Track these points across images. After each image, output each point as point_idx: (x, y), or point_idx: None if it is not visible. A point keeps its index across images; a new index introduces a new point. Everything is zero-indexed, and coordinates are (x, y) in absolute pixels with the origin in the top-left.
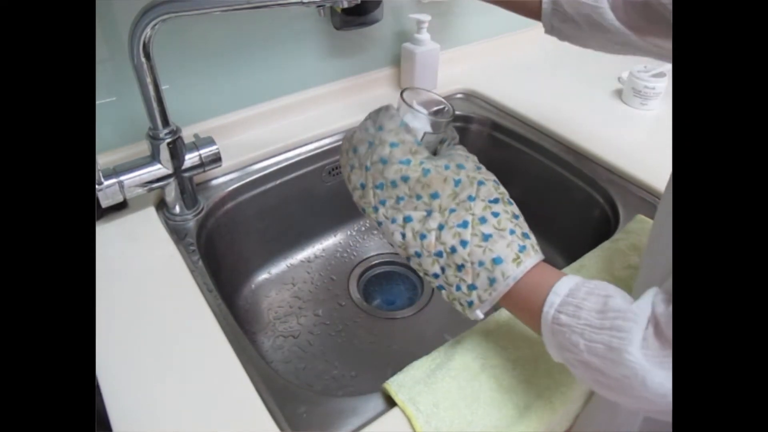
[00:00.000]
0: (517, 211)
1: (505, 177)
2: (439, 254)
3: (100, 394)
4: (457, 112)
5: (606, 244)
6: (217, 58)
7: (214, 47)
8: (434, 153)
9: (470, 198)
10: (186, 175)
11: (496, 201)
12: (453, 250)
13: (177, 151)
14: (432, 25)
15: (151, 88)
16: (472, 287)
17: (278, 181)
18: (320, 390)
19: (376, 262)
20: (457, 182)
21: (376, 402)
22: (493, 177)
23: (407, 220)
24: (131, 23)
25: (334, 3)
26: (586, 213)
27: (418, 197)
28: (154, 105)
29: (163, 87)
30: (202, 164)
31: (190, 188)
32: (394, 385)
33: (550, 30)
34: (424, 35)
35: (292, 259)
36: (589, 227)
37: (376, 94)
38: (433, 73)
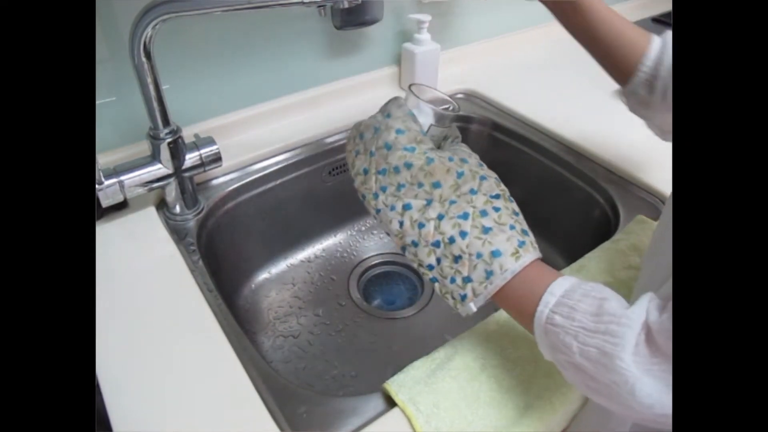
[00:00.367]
0: (517, 208)
1: (505, 177)
2: (437, 244)
3: (100, 394)
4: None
5: (606, 245)
6: (218, 57)
7: (214, 47)
8: (438, 148)
9: (472, 191)
10: (186, 174)
11: (497, 197)
12: (451, 240)
13: (177, 150)
14: (432, 25)
15: (151, 87)
16: (467, 280)
17: (278, 181)
18: (320, 390)
19: (377, 262)
20: (460, 174)
21: (376, 402)
22: (494, 174)
23: (406, 207)
24: (132, 23)
25: (334, 3)
26: (587, 213)
27: (420, 185)
28: (155, 105)
29: (164, 87)
30: (202, 164)
31: (190, 188)
32: (394, 385)
33: (629, 97)
34: (425, 35)
35: (293, 259)
36: (589, 227)
37: (377, 94)
38: (434, 73)
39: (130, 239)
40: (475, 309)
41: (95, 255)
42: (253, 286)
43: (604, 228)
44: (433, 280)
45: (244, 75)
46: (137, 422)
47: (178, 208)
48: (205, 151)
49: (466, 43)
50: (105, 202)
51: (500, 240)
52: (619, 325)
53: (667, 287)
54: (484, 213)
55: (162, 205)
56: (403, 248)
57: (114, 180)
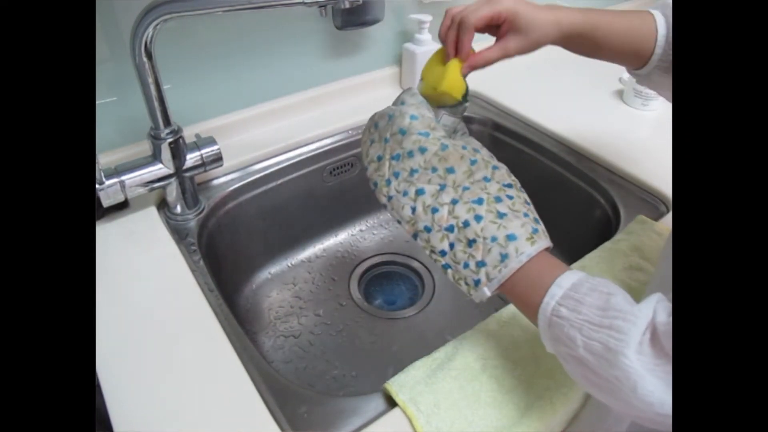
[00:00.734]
0: (528, 199)
1: None
2: (450, 229)
3: (101, 394)
4: None
5: (607, 245)
6: (219, 57)
7: (215, 47)
8: None
9: (485, 179)
10: (187, 174)
11: (510, 186)
12: (466, 224)
13: (178, 150)
14: (433, 25)
15: (152, 87)
16: (481, 264)
17: (279, 181)
18: (321, 390)
19: (377, 262)
20: (473, 162)
21: (376, 402)
22: (505, 166)
23: (419, 192)
24: (133, 23)
25: (335, 3)
26: (587, 213)
27: (434, 170)
28: (156, 105)
29: (165, 87)
30: (203, 164)
31: (191, 188)
32: (394, 385)
33: (644, 79)
34: (425, 35)
35: (293, 259)
36: (590, 228)
37: (377, 95)
38: None
39: (130, 239)
40: (489, 294)
41: (95, 255)
42: (253, 286)
43: (604, 228)
44: (446, 266)
45: (245, 75)
46: (138, 422)
47: (179, 208)
48: (206, 151)
49: None
50: (106, 202)
51: (515, 225)
52: (624, 321)
53: None
54: (498, 199)
55: (163, 205)
56: (415, 235)
57: (115, 180)
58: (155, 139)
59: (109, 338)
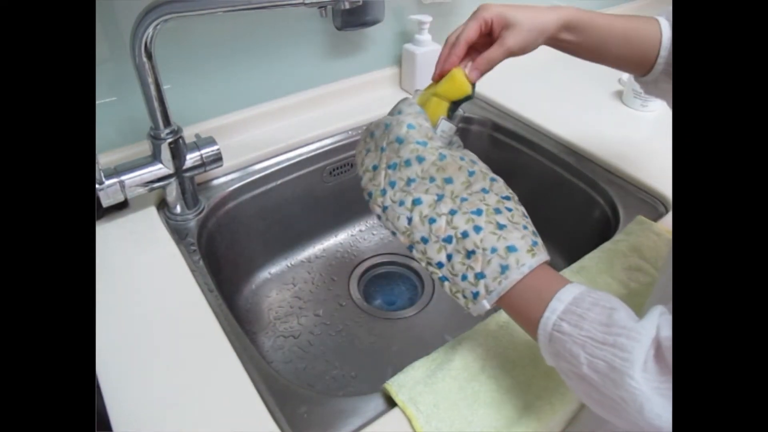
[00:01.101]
0: (525, 212)
1: (505, 178)
2: (448, 240)
3: (100, 394)
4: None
5: (606, 246)
6: (219, 58)
7: (215, 47)
8: None
9: (484, 190)
10: (187, 175)
11: (508, 198)
12: (465, 234)
13: (178, 150)
14: (433, 26)
15: (152, 87)
16: (480, 276)
17: (279, 182)
18: (321, 390)
19: (377, 262)
20: (471, 173)
21: (376, 402)
22: (502, 180)
23: (416, 202)
24: (133, 23)
25: (335, 3)
26: (587, 214)
27: (432, 180)
28: (156, 105)
29: (165, 87)
30: (203, 164)
31: (191, 188)
32: (394, 385)
33: (648, 85)
34: (425, 36)
35: (293, 259)
36: (589, 228)
37: (377, 95)
38: None
39: (130, 239)
40: (488, 307)
41: (95, 255)
42: (253, 286)
43: (604, 229)
44: (443, 279)
45: (245, 75)
46: (137, 422)
47: (178, 208)
48: (206, 151)
49: None
50: (105, 202)
51: (515, 237)
52: (628, 338)
53: None
54: (497, 211)
55: (162, 205)
56: (411, 246)
57: (115, 180)
58: (155, 139)
59: (108, 338)
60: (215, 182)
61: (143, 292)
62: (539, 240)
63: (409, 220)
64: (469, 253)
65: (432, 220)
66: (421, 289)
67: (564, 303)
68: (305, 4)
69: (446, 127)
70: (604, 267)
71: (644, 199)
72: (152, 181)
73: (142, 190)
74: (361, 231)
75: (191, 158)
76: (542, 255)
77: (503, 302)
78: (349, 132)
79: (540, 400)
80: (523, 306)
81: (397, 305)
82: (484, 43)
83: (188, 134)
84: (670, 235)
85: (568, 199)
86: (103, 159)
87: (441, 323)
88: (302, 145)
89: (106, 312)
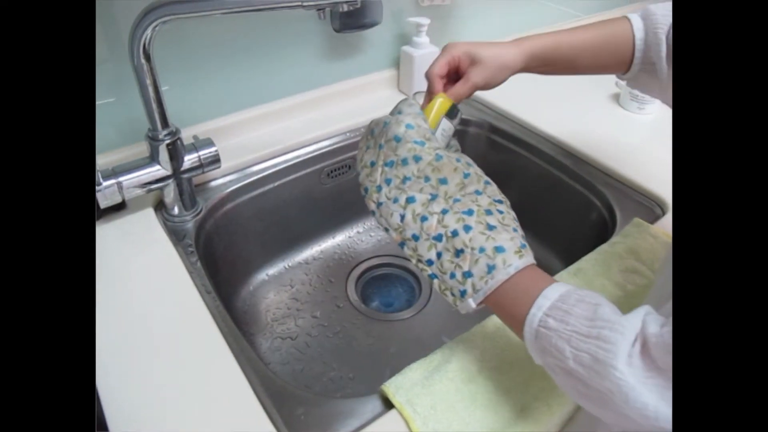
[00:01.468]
0: (516, 217)
1: (503, 180)
2: (438, 238)
3: (97, 395)
4: None
5: (603, 248)
6: (217, 59)
7: (214, 49)
8: None
9: (477, 192)
10: (185, 176)
11: (500, 202)
12: (455, 233)
13: (176, 152)
14: (431, 28)
15: (150, 89)
16: (467, 275)
17: (277, 183)
18: (318, 392)
19: (375, 264)
20: (467, 175)
21: (373, 404)
22: (496, 185)
23: (410, 200)
24: (132, 24)
25: (334, 6)
26: (584, 216)
27: (427, 179)
28: (154, 106)
29: (163, 88)
30: (201, 165)
31: (189, 189)
32: (391, 386)
33: (631, 82)
34: (423, 38)
35: (291, 260)
36: (586, 230)
37: (375, 97)
38: None
39: (128, 240)
40: (474, 305)
41: (95, 256)
42: (251, 287)
43: (601, 231)
44: (432, 276)
45: (243, 77)
46: (134, 423)
47: (176, 210)
48: (204, 152)
49: None
50: (103, 203)
51: (504, 238)
52: (612, 330)
53: (669, 307)
54: (488, 212)
55: (160, 207)
56: (402, 243)
57: (112, 181)
58: (153, 140)
59: (105, 340)
60: (213, 183)
61: (140, 293)
62: (527, 245)
63: (402, 217)
64: (458, 252)
65: (424, 218)
66: (419, 291)
67: (550, 300)
68: (303, 6)
69: (446, 126)
70: (600, 269)
71: (641, 202)
72: (150, 183)
73: (139, 192)
74: (358, 233)
75: (189, 159)
76: (530, 258)
77: (490, 301)
78: (347, 134)
79: (537, 401)
80: (509, 304)
81: (394, 307)
82: (457, 78)
83: (186, 135)
84: (666, 238)
85: (565, 202)
86: (101, 160)
87: (438, 325)
88: (300, 146)
89: (103, 313)
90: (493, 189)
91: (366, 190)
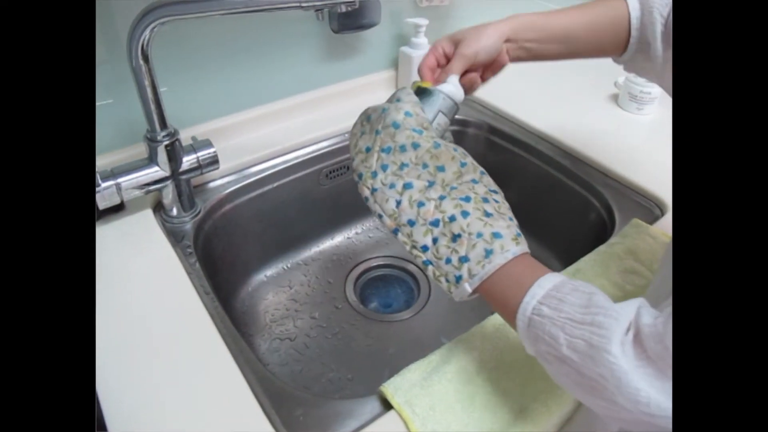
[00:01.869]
0: (510, 209)
1: (501, 180)
2: (435, 223)
3: (96, 396)
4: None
5: (602, 248)
6: (216, 60)
7: (212, 50)
8: None
9: (474, 181)
10: (183, 177)
11: (496, 192)
12: (452, 218)
13: (175, 153)
14: (429, 29)
15: (149, 90)
16: (464, 259)
17: (276, 184)
18: (317, 393)
19: (373, 265)
20: (463, 164)
21: (372, 405)
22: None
23: (407, 186)
24: (130, 26)
25: (332, 6)
26: (583, 217)
27: (425, 166)
28: (152, 107)
29: (161, 89)
30: (199, 167)
31: (187, 190)
32: (390, 387)
33: (628, 64)
34: (422, 39)
35: (289, 261)
36: (585, 231)
37: (374, 98)
38: None
39: (126, 242)
40: (469, 290)
41: (95, 257)
42: (249, 288)
43: (599, 231)
44: (426, 263)
45: (241, 78)
46: (133, 424)
47: (175, 211)
48: (203, 153)
49: None
50: (102, 205)
51: (501, 225)
52: (606, 316)
53: (666, 304)
54: (485, 200)
55: (159, 208)
56: (396, 230)
57: (111, 182)
58: (151, 141)
59: (104, 341)
60: (211, 185)
61: (139, 294)
62: (522, 234)
63: (398, 203)
64: (455, 237)
65: (421, 204)
66: (418, 291)
67: (544, 289)
68: (302, 7)
69: (441, 120)
70: (599, 270)
71: (640, 202)
72: (148, 184)
73: (138, 193)
74: (357, 233)
75: (188, 161)
76: (525, 246)
77: (484, 288)
78: (346, 135)
79: (536, 402)
80: (504, 292)
81: (393, 308)
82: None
83: (185, 137)
84: (665, 238)
85: (563, 202)
86: (100, 161)
87: (437, 326)
88: (299, 147)
89: (102, 314)
90: (489, 179)
91: (360, 176)
